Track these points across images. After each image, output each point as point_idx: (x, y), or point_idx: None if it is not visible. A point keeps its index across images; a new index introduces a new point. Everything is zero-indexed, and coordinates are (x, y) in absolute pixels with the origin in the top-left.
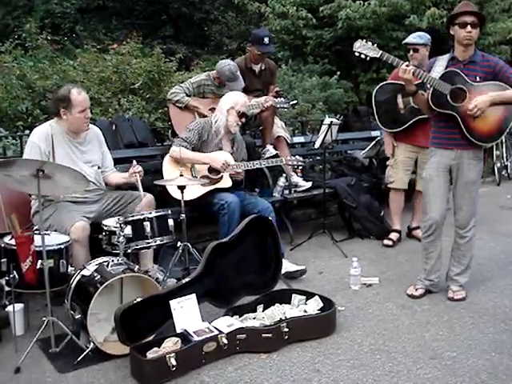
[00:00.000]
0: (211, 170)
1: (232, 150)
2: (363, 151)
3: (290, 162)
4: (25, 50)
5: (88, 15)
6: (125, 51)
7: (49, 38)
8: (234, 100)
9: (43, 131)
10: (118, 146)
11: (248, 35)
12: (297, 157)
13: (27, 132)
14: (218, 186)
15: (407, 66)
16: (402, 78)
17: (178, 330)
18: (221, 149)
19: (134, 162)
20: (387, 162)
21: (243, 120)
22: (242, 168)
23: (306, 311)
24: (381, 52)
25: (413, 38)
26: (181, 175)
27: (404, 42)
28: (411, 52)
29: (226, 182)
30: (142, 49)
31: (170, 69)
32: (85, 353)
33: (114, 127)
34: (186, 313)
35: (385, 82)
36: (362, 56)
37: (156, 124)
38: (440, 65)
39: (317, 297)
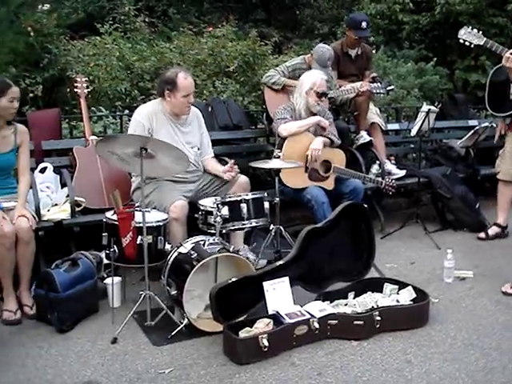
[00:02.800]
0: (323, 164)
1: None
2: (460, 140)
3: (387, 187)
4: (124, 33)
5: None
6: (220, 34)
7: (146, 20)
8: (312, 81)
9: (147, 110)
10: (214, 128)
11: (340, 19)
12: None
13: (126, 112)
14: (321, 184)
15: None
16: (507, 65)
17: (270, 312)
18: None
19: (232, 161)
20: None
21: (323, 99)
22: (347, 175)
23: (398, 301)
24: (485, 39)
25: None
26: (277, 157)
27: None
28: None
29: (329, 185)
30: (236, 32)
31: (265, 52)
32: (179, 328)
33: (209, 109)
34: (279, 295)
35: None
36: (467, 43)
37: (249, 107)
38: None
39: (410, 287)
